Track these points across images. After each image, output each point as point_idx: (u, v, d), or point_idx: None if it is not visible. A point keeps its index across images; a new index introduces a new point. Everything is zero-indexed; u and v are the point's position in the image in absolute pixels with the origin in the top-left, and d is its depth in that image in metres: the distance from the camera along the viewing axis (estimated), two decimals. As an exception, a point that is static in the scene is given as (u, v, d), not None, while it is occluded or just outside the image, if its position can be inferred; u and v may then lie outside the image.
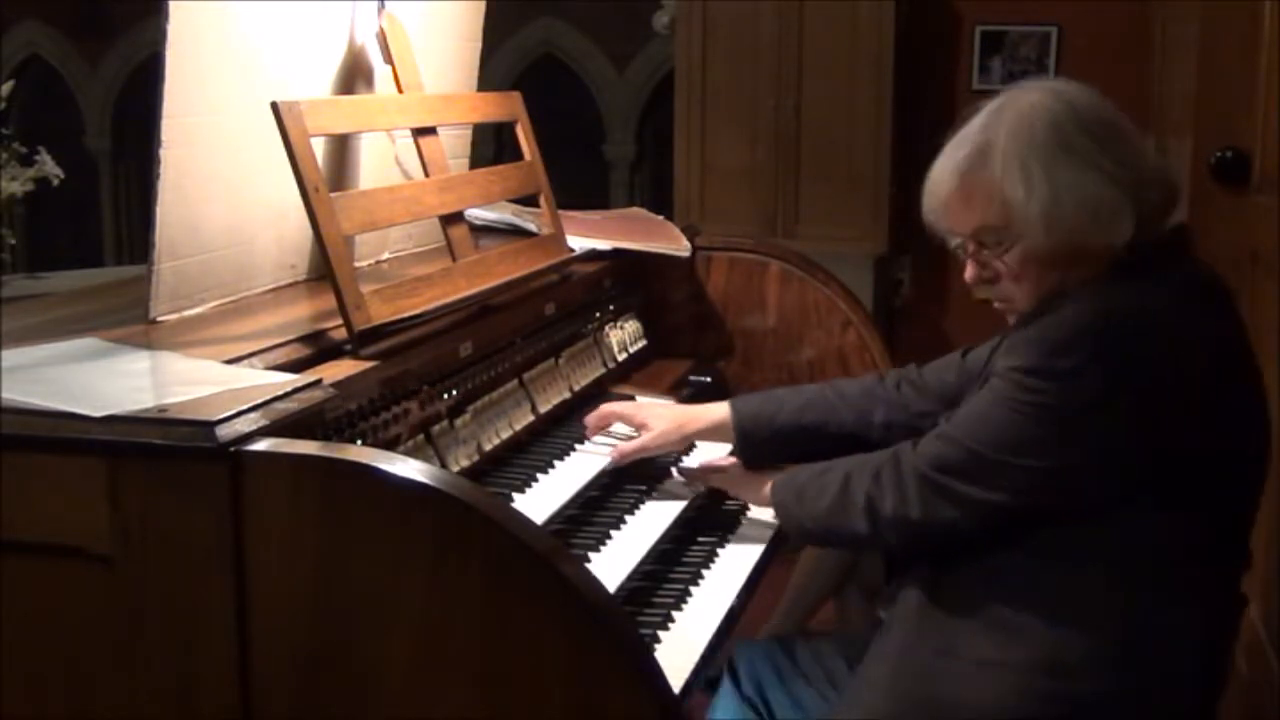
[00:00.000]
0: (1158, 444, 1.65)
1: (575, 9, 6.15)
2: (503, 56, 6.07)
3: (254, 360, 1.65)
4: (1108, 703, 1.68)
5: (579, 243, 2.47)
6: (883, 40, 4.71)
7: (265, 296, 2.03)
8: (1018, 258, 1.75)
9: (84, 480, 1.36)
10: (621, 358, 2.54)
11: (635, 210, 3.04)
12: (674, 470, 2.19)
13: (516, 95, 2.45)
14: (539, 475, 2.00)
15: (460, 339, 1.98)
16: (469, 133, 2.60)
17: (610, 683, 1.33)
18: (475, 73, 2.58)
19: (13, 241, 4.19)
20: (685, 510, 2.10)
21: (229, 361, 1.62)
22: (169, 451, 1.35)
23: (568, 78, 6.26)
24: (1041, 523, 1.70)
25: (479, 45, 2.58)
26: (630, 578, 1.86)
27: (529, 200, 2.47)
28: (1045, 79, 1.83)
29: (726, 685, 2.09)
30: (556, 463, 2.07)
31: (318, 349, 1.76)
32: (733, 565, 2.01)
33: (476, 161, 2.60)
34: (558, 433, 2.19)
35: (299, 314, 1.95)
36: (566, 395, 2.28)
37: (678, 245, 2.66)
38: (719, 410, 2.17)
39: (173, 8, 1.75)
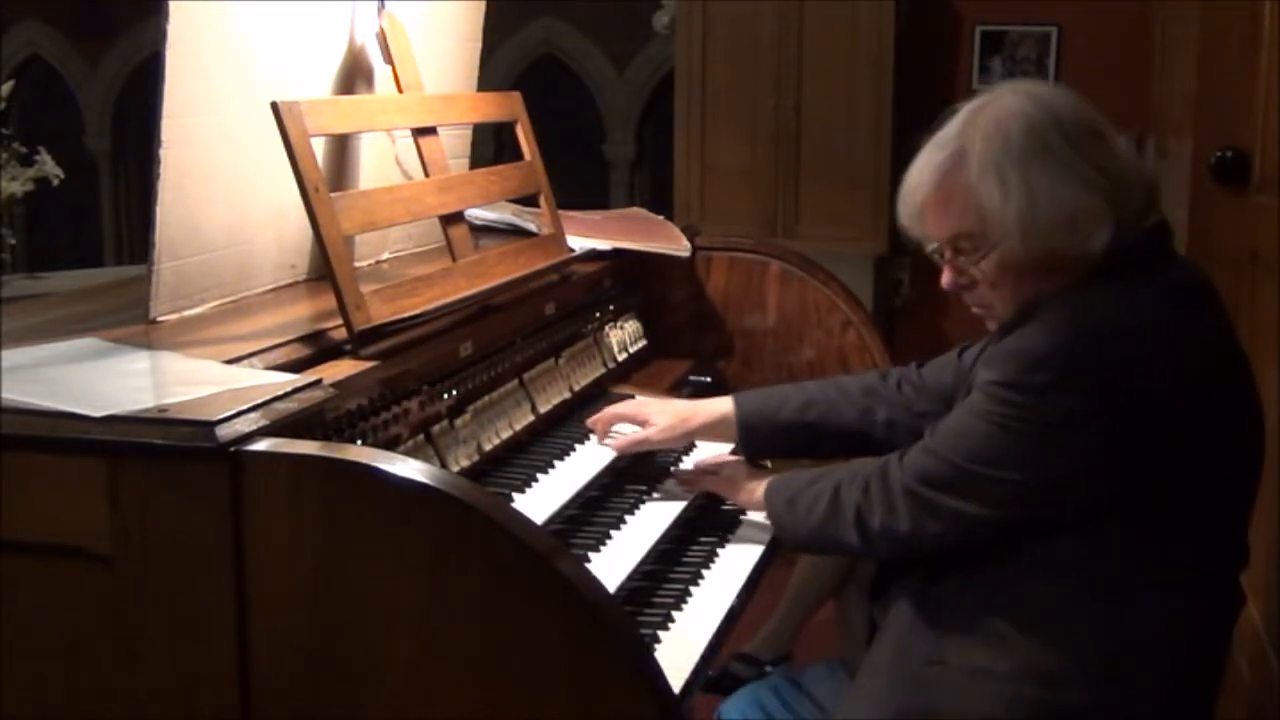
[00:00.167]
0: (1138, 455, 1.64)
1: (575, 9, 6.15)
2: (503, 56, 6.07)
3: (254, 360, 1.65)
4: (1099, 712, 1.68)
5: (579, 243, 2.47)
6: (883, 40, 4.71)
7: (265, 296, 2.03)
8: (994, 264, 1.73)
9: (84, 480, 1.36)
10: (621, 358, 2.54)
11: (635, 210, 3.04)
12: (672, 470, 2.19)
13: (516, 95, 2.45)
14: (539, 475, 2.00)
15: (460, 339, 1.98)
16: (469, 133, 2.60)
17: (610, 683, 1.33)
18: (475, 73, 2.58)
19: (13, 241, 4.20)
20: (685, 510, 2.10)
21: (229, 361, 1.62)
22: (169, 451, 1.35)
23: (568, 78, 6.26)
24: (1027, 534, 1.70)
25: (479, 45, 2.58)
26: (630, 578, 1.86)
27: (529, 200, 2.47)
28: (1022, 82, 1.81)
29: None
30: (556, 463, 2.07)
31: (318, 349, 1.76)
32: (733, 565, 2.01)
33: (476, 161, 2.60)
34: (558, 433, 2.19)
35: (299, 314, 1.95)
36: (566, 395, 2.28)
37: (678, 245, 2.66)
38: (722, 405, 2.17)
39: (173, 8, 1.75)
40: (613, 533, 1.95)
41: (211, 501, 1.34)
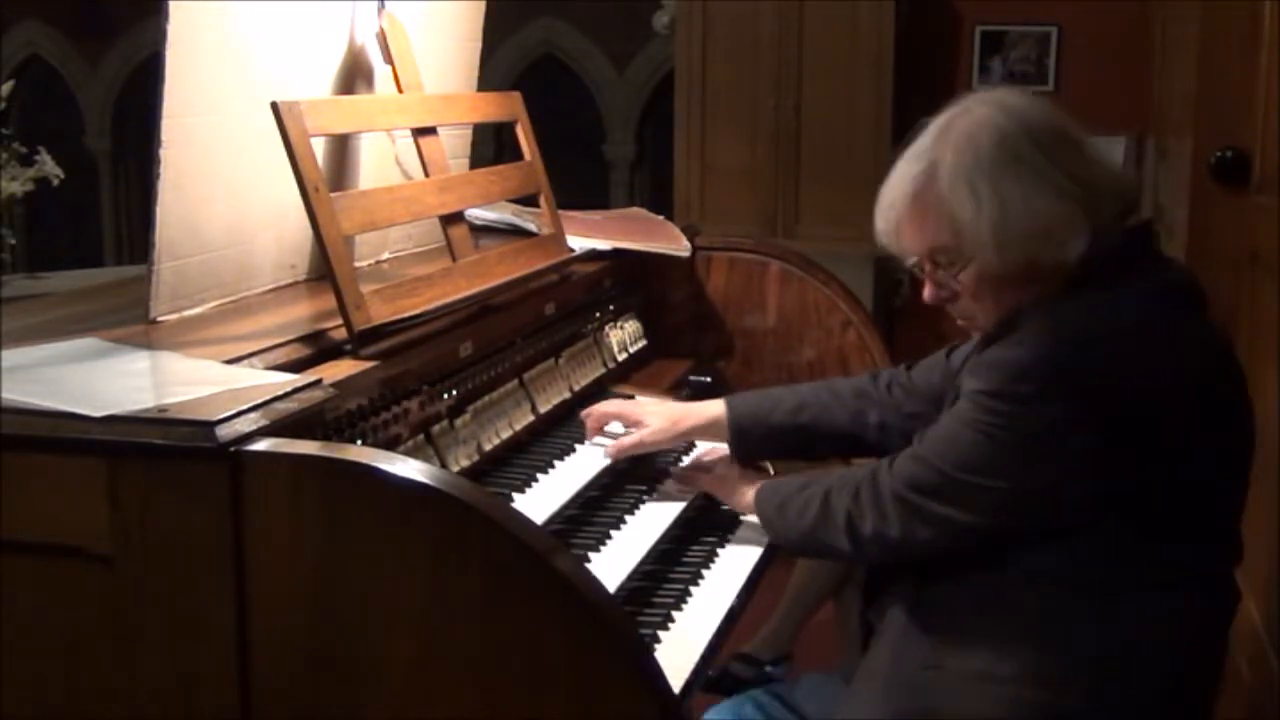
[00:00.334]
0: (1127, 459, 1.64)
1: (575, 9, 6.15)
2: (503, 56, 6.07)
3: (254, 360, 1.65)
4: (1099, 713, 1.68)
5: (579, 243, 2.47)
6: (883, 40, 4.71)
7: (265, 296, 2.03)
8: (973, 276, 1.73)
9: (84, 480, 1.36)
10: (621, 358, 2.54)
11: (635, 210, 3.04)
12: (671, 470, 2.19)
13: (516, 95, 2.45)
14: (539, 475, 2.00)
15: (460, 339, 1.98)
16: (469, 133, 2.60)
17: (610, 683, 1.33)
18: (475, 73, 2.58)
19: (13, 241, 4.19)
20: (685, 510, 2.10)
21: (229, 361, 1.62)
22: (169, 451, 1.35)
23: (568, 78, 6.26)
24: (1020, 539, 1.70)
25: (479, 45, 2.58)
26: (630, 578, 1.86)
27: (529, 200, 2.47)
28: (994, 91, 1.80)
29: None
30: (556, 463, 2.07)
31: (318, 349, 1.76)
32: (733, 565, 2.01)
33: (476, 161, 2.60)
34: (558, 433, 2.19)
35: (299, 314, 1.95)
36: (566, 395, 2.28)
37: (678, 245, 2.66)
38: (714, 408, 2.18)
39: (173, 8, 1.75)
40: (613, 533, 1.95)
41: (211, 501, 1.34)
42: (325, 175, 1.88)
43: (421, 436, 1.85)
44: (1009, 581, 1.71)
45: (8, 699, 1.42)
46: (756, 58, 4.85)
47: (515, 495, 1.92)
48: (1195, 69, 3.30)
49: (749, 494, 2.01)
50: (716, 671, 2.63)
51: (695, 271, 2.70)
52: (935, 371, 2.10)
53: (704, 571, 1.97)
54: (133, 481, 1.36)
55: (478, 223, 2.55)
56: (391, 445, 1.75)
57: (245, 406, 1.40)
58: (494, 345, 2.09)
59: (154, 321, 1.82)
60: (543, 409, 2.19)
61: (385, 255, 2.38)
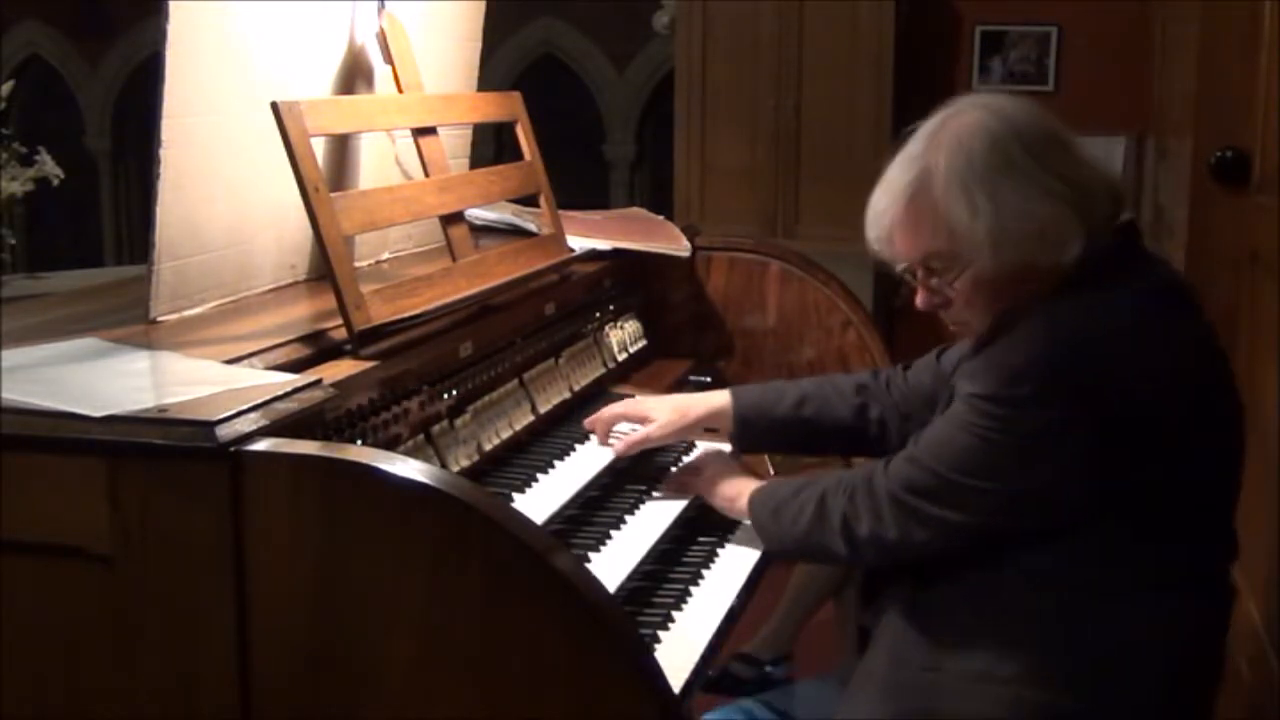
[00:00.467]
0: (1122, 459, 1.64)
1: (575, 9, 6.15)
2: (503, 56, 6.07)
3: (254, 360, 1.65)
4: (1099, 713, 1.68)
5: (579, 243, 2.47)
6: (883, 40, 4.72)
7: (265, 296, 2.03)
8: (967, 282, 1.74)
9: (84, 480, 1.36)
10: (621, 358, 2.54)
11: (635, 210, 3.04)
12: (666, 474, 2.18)
13: (516, 95, 2.45)
14: (539, 475, 2.00)
15: (460, 339, 1.98)
16: (469, 133, 2.60)
17: (610, 683, 1.33)
18: (475, 73, 2.58)
19: (13, 241, 4.19)
20: (685, 510, 2.10)
21: (229, 361, 1.62)
22: (169, 451, 1.35)
23: (568, 78, 6.26)
24: (1018, 540, 1.70)
25: (479, 45, 2.58)
26: (630, 578, 1.86)
27: (529, 200, 2.47)
28: (981, 96, 1.81)
29: None
30: (556, 463, 2.07)
31: (318, 349, 1.76)
32: (733, 565, 2.01)
33: (476, 161, 2.60)
34: (558, 433, 2.19)
35: (299, 314, 1.95)
36: (566, 395, 2.28)
37: (678, 245, 2.66)
38: (719, 398, 2.18)
39: (173, 8, 1.75)
40: (613, 533, 1.95)
41: (211, 501, 1.34)
42: (325, 175, 1.88)
43: (421, 436, 1.85)
44: (1007, 582, 1.71)
45: (8, 699, 1.42)
46: (756, 58, 4.86)
47: (515, 495, 1.92)
48: (1195, 69, 3.30)
49: (742, 499, 2.01)
50: (716, 671, 2.63)
51: (695, 271, 2.70)
52: (927, 373, 2.10)
53: (704, 571, 1.97)
54: (133, 481, 1.36)
55: (478, 223, 2.55)
56: (391, 445, 1.75)
57: (245, 406, 1.40)
58: (494, 345, 2.09)
59: (154, 321, 1.82)
60: (543, 409, 2.19)
61: (385, 255, 2.38)
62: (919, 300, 1.81)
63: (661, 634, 1.76)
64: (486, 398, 2.04)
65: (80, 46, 6.95)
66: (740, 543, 2.07)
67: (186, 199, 1.84)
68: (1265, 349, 2.44)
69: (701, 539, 2.07)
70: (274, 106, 1.78)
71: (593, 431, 2.18)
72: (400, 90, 2.17)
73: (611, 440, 2.16)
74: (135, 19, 6.56)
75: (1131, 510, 1.66)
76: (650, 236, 2.68)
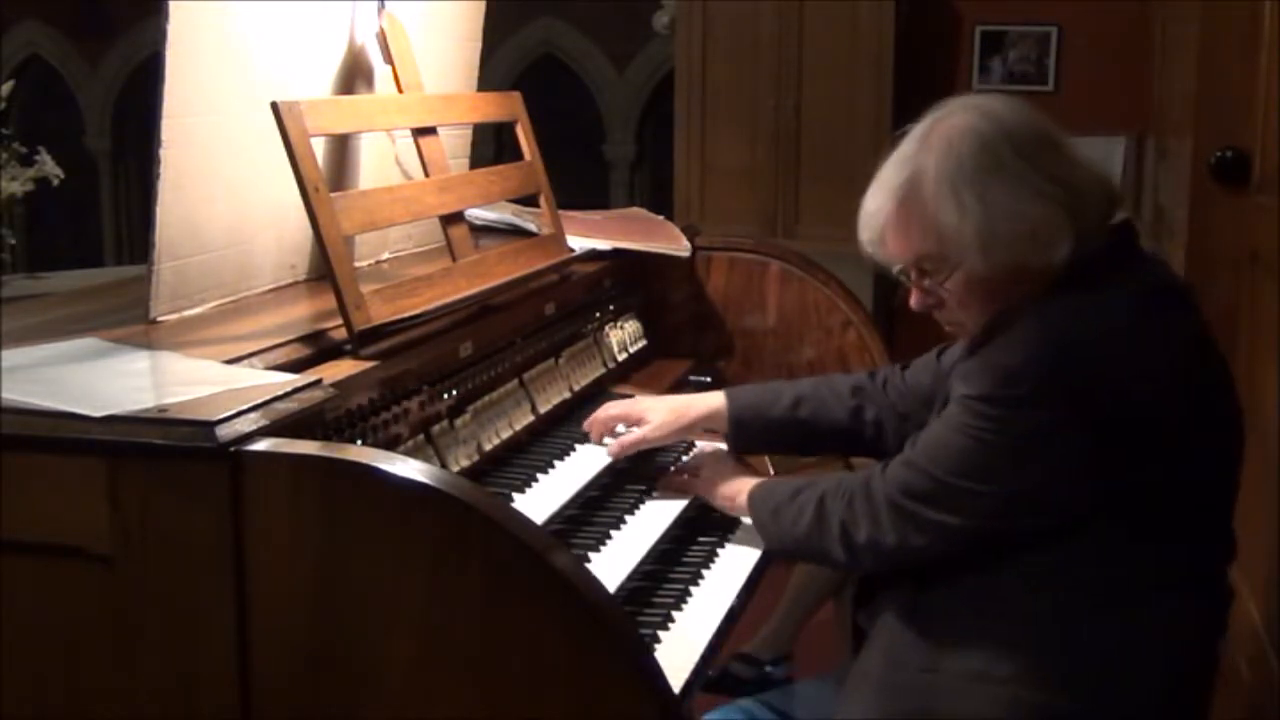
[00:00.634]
0: (1119, 460, 1.64)
1: (575, 9, 6.15)
2: (503, 56, 6.07)
3: (254, 360, 1.65)
4: (1097, 713, 1.68)
5: (579, 243, 2.47)
6: (883, 40, 4.72)
7: (265, 296, 2.03)
8: (959, 284, 1.74)
9: (84, 480, 1.36)
10: (621, 358, 2.54)
11: (635, 210, 3.04)
12: (665, 474, 2.18)
13: (516, 95, 2.45)
14: (539, 475, 2.00)
15: (460, 339, 1.98)
16: (469, 133, 2.60)
17: (610, 683, 1.33)
18: (475, 73, 2.58)
19: (13, 241, 4.19)
20: (685, 510, 2.10)
21: (229, 361, 1.62)
22: (169, 451, 1.35)
23: (568, 78, 6.26)
24: (1016, 541, 1.69)
25: (479, 45, 2.58)
26: (630, 578, 1.86)
27: (529, 200, 2.47)
28: (973, 97, 1.81)
29: None
30: (556, 463, 2.07)
31: (318, 349, 1.76)
32: (733, 565, 2.01)
33: (476, 161, 2.60)
34: (558, 433, 2.19)
35: (299, 314, 1.95)
36: (566, 395, 2.28)
37: (678, 245, 2.66)
38: (714, 399, 2.18)
39: (173, 8, 1.75)
40: (613, 533, 1.95)
41: (211, 501, 1.34)
42: (325, 175, 1.88)
43: (421, 436, 1.85)
44: (1004, 583, 1.71)
45: (8, 699, 1.42)
46: (756, 58, 4.86)
47: (515, 495, 1.92)
48: (1195, 69, 3.29)
49: (741, 496, 2.01)
50: (716, 671, 2.63)
51: (695, 271, 2.70)
52: (926, 372, 2.10)
53: (704, 571, 1.97)
54: (133, 481, 1.36)
55: (478, 223, 2.55)
56: (391, 445, 1.75)
57: (245, 406, 1.40)
58: (494, 345, 2.09)
59: (154, 321, 1.82)
60: (543, 409, 2.19)
61: (385, 255, 2.38)
62: (913, 301, 1.81)
63: (661, 634, 1.76)
64: (486, 398, 2.04)
65: (80, 46, 6.95)
66: (740, 543, 2.07)
67: (186, 199, 1.84)
68: (1265, 349, 2.44)
69: (701, 539, 2.07)
70: (274, 106, 1.78)
71: (589, 433, 2.18)
72: (400, 90, 2.17)
73: (606, 441, 2.16)
74: (135, 19, 6.56)
75: (1129, 511, 1.66)
76: (650, 236, 2.68)
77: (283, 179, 1.80)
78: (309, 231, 1.89)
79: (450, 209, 2.12)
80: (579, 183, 5.37)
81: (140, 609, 1.38)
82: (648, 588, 1.89)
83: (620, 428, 2.18)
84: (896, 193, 1.75)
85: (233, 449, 1.34)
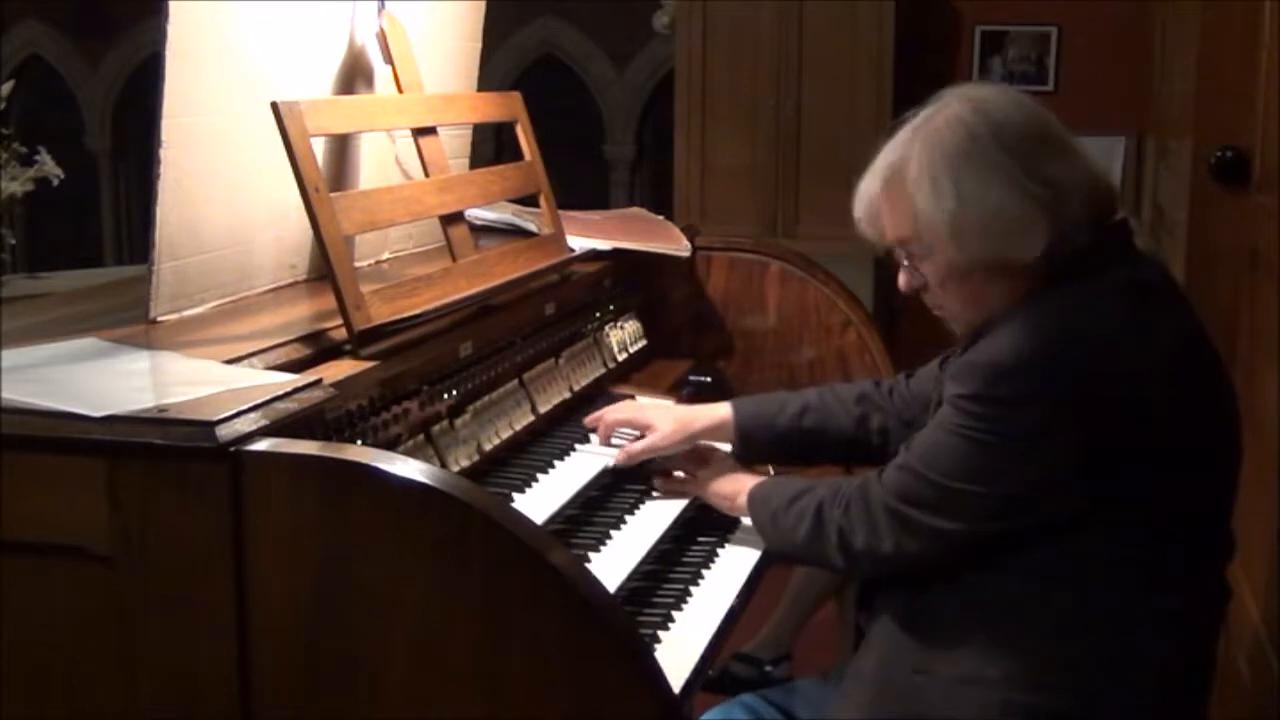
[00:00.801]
0: (1111, 459, 1.63)
1: (575, 9, 6.16)
2: (503, 56, 6.07)
3: (254, 360, 1.65)
4: (1089, 715, 1.68)
5: (579, 243, 2.47)
6: (883, 40, 4.72)
7: (265, 296, 2.03)
8: (939, 269, 1.75)
9: (84, 480, 1.36)
10: (621, 358, 2.54)
11: (635, 210, 3.04)
12: (656, 483, 2.17)
13: (516, 95, 2.45)
14: (539, 475, 2.00)
15: (460, 339, 1.98)
16: (469, 133, 2.60)
17: (610, 683, 1.33)
18: (475, 73, 2.58)
19: (13, 241, 4.19)
20: (685, 510, 2.10)
21: (229, 361, 1.62)
22: (169, 451, 1.34)
23: (568, 78, 6.26)
24: (1010, 542, 1.69)
25: (479, 45, 2.58)
26: (630, 578, 1.86)
27: (529, 200, 2.47)
28: (972, 87, 1.81)
29: None
30: (556, 463, 2.07)
31: (318, 349, 1.76)
32: (733, 565, 2.01)
33: (476, 161, 2.60)
34: (558, 433, 2.19)
35: (299, 314, 1.95)
36: (566, 395, 2.28)
37: (678, 245, 2.66)
38: (721, 410, 2.18)
39: (173, 8, 1.75)
40: (613, 533, 1.95)
41: (211, 501, 1.34)
42: (325, 175, 1.88)
43: (421, 436, 1.85)
44: (999, 585, 1.71)
45: (8, 699, 1.42)
46: (756, 58, 4.86)
47: (515, 495, 1.92)
48: (1195, 69, 3.29)
49: (740, 497, 2.01)
50: (716, 671, 2.63)
51: (695, 271, 2.70)
52: (929, 380, 2.10)
53: (704, 571, 1.97)
54: (133, 481, 1.36)
55: (478, 223, 2.55)
56: (391, 445, 1.75)
57: (245, 406, 1.40)
58: (494, 345, 2.09)
59: (154, 321, 1.82)
60: (543, 409, 2.19)
61: (385, 255, 2.38)
62: (900, 281, 1.83)
63: (661, 634, 1.76)
64: (486, 398, 2.04)
65: (80, 46, 6.95)
66: (740, 543, 2.07)
67: (186, 199, 1.84)
68: (1265, 349, 2.43)
69: (701, 539, 2.07)
70: (274, 106, 1.78)
71: (594, 429, 2.18)
72: (400, 90, 2.17)
73: (615, 442, 2.16)
74: (135, 19, 6.56)
75: (1123, 510, 1.66)
76: (650, 236, 2.68)
77: (283, 179, 1.80)
78: (309, 231, 1.89)
79: (450, 209, 2.12)
80: (579, 183, 5.38)
81: (140, 609, 1.38)
82: (648, 588, 1.89)
83: (626, 432, 2.18)
84: (882, 175, 1.79)
85: (233, 449, 1.34)
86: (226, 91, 1.87)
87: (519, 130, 2.41)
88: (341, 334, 1.79)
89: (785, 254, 2.72)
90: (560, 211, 2.45)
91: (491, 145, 4.87)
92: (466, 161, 2.58)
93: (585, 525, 1.97)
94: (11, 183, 3.84)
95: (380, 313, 1.82)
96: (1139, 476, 1.65)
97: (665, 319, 2.71)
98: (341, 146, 2.16)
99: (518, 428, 2.10)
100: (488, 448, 1.99)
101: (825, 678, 2.16)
